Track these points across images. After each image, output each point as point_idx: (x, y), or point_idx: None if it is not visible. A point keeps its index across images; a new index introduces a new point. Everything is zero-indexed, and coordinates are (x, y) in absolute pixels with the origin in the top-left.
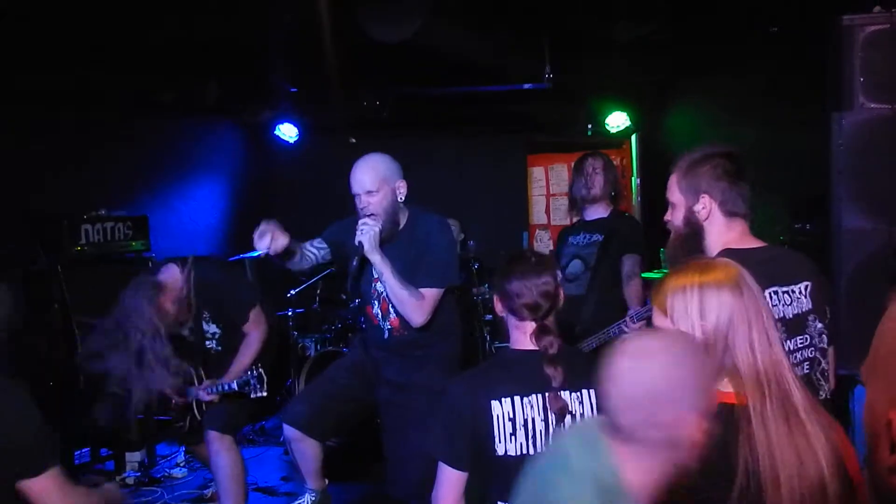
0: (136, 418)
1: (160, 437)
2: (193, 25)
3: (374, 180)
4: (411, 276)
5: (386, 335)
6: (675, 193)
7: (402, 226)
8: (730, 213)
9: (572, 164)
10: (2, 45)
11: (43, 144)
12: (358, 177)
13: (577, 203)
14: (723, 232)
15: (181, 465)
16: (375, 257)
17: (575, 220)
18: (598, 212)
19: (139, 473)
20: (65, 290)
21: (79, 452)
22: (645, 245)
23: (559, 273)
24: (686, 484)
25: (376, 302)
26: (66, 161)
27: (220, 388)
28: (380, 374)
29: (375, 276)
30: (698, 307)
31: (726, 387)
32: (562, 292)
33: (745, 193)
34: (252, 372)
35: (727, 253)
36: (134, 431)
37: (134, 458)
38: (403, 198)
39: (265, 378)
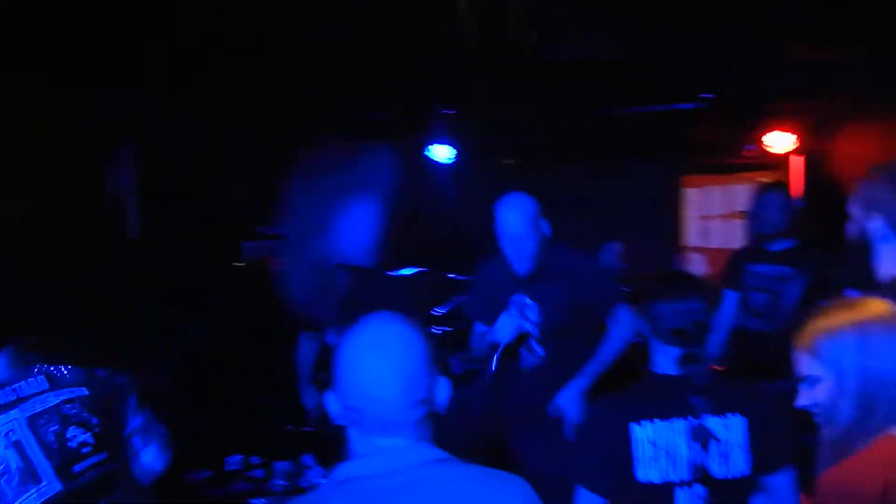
0: (287, 429)
1: (307, 448)
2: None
3: (525, 222)
4: (575, 310)
5: (529, 365)
6: (853, 205)
7: (547, 262)
8: None
9: (733, 188)
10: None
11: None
12: (510, 220)
13: (756, 236)
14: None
15: (326, 476)
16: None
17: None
18: (781, 242)
19: (287, 483)
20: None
21: (230, 459)
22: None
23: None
24: None
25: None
26: (230, 182)
27: None
28: (510, 398)
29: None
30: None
31: None
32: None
33: None
34: None
35: None
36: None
37: (282, 467)
38: (549, 234)
39: None
